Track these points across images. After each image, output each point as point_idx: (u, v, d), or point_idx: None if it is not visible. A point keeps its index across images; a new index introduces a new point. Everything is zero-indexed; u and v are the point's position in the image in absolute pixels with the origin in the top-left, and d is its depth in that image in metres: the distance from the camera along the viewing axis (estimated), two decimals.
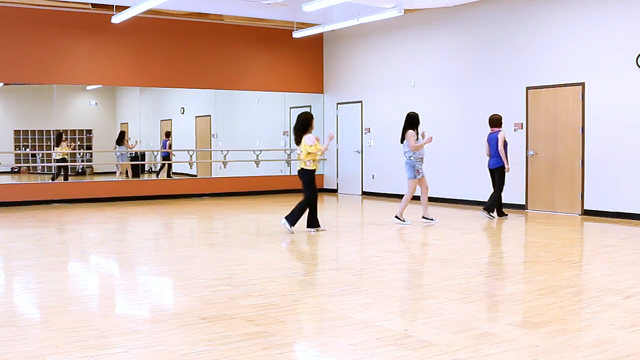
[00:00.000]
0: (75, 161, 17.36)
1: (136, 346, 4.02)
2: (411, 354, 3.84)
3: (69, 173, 15.43)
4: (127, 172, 16.52)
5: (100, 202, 13.55)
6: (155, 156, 17.93)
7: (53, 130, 15.78)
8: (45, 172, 16.63)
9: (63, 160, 15.24)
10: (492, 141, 10.44)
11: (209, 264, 6.94)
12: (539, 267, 6.61)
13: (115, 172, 17.20)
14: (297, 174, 9.17)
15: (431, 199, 13.45)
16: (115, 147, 16.34)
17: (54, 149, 15.09)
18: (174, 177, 17.02)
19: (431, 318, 4.64)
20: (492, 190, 10.63)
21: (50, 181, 14.88)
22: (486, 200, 10.82)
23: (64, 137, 15.65)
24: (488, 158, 10.62)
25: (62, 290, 5.76)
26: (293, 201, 14.08)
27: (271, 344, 4.05)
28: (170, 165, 17.22)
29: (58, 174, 15.06)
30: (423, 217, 10.09)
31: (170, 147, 17.33)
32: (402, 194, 14.20)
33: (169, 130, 17.86)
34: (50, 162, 16.24)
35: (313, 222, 9.03)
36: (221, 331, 4.33)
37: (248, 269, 6.60)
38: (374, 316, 4.71)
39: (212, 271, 6.44)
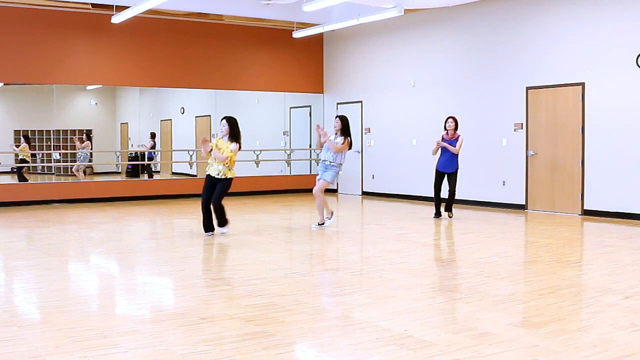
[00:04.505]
0: (75, 161, 17.34)
1: (136, 346, 4.02)
2: (411, 354, 3.84)
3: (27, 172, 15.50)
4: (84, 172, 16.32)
5: (100, 202, 13.55)
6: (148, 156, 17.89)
7: (53, 131, 15.80)
8: (45, 172, 16.63)
9: (24, 161, 15.29)
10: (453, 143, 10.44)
11: (209, 264, 6.94)
12: (539, 267, 6.61)
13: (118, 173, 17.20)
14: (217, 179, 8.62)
15: (431, 199, 13.46)
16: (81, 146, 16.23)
17: (14, 148, 15.26)
18: (174, 177, 17.02)
19: (431, 318, 4.64)
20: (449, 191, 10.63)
21: (18, 182, 14.83)
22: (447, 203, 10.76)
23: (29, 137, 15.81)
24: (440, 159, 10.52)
25: (62, 290, 5.76)
26: (293, 201, 14.10)
27: (271, 344, 4.05)
28: (149, 166, 17.13)
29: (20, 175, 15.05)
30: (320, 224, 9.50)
31: (152, 147, 17.17)
32: (403, 194, 14.25)
33: (154, 131, 17.75)
34: (51, 162, 16.24)
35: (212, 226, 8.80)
36: (221, 331, 4.33)
37: (248, 269, 6.60)
38: (374, 316, 4.71)
39: (212, 271, 6.44)
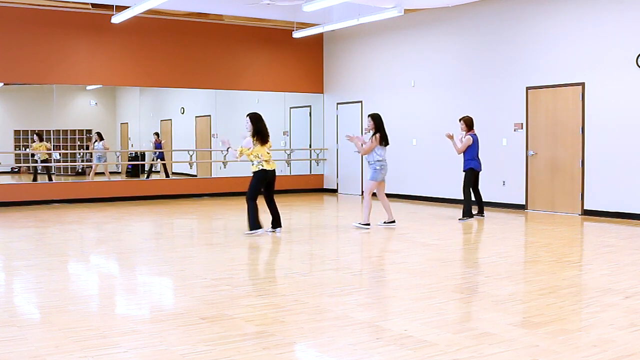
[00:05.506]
0: (75, 161, 17.35)
1: (136, 346, 4.02)
2: (411, 354, 3.84)
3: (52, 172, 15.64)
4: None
5: (100, 202, 13.55)
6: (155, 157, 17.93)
7: (53, 131, 15.79)
8: (45, 172, 16.65)
9: (44, 161, 15.35)
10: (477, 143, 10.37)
11: (209, 264, 6.94)
12: (539, 267, 6.61)
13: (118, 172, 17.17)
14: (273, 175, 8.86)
15: (433, 199, 13.47)
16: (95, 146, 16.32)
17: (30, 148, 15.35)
18: (174, 177, 17.02)
19: (431, 318, 4.63)
20: (475, 193, 10.43)
21: (32, 181, 14.95)
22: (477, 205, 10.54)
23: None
24: (475, 160, 10.33)
25: (62, 290, 5.76)
26: (293, 201, 14.10)
27: (271, 344, 4.05)
28: (163, 165, 17.21)
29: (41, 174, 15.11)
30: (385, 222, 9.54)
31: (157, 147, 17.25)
32: (403, 194, 14.25)
33: (157, 131, 17.82)
34: (50, 162, 16.24)
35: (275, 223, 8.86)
36: (221, 331, 4.33)
37: (248, 269, 6.60)
38: (374, 316, 4.71)
39: (212, 271, 6.44)
